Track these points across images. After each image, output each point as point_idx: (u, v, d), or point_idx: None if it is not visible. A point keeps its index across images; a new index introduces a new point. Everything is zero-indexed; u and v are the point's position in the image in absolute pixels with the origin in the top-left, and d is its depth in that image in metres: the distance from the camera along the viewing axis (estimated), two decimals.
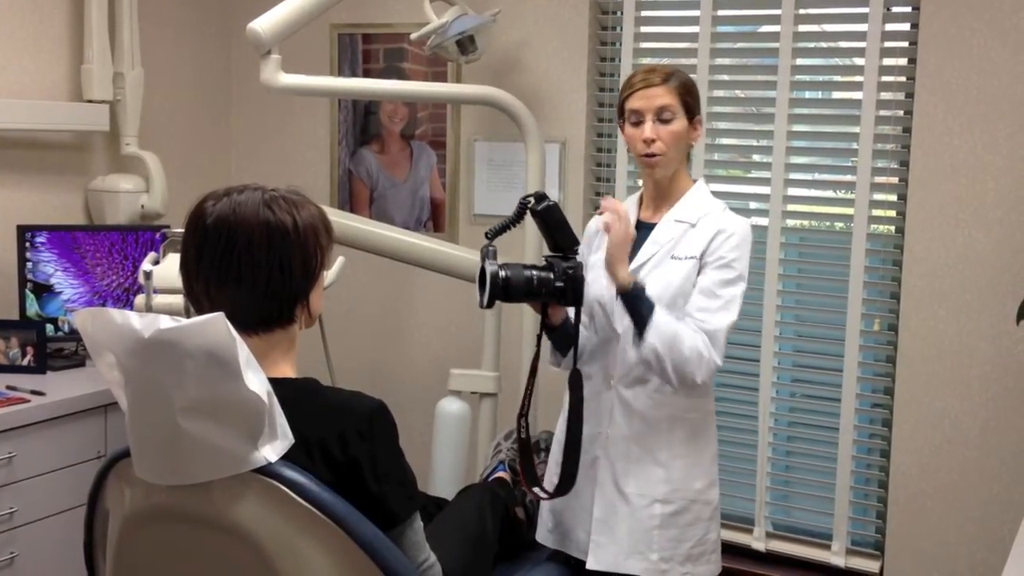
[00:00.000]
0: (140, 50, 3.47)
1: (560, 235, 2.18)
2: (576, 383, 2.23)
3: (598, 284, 2.30)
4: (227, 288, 1.62)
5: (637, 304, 2.18)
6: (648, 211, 2.39)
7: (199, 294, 1.65)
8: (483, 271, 2.14)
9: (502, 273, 2.13)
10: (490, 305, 2.16)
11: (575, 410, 2.23)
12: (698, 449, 2.33)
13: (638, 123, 2.28)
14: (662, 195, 2.36)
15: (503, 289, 2.13)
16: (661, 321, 2.17)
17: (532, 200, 2.18)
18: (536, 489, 2.28)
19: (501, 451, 2.69)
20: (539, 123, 3.22)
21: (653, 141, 2.26)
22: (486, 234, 2.20)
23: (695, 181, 2.38)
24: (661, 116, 2.26)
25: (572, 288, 2.16)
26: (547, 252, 2.23)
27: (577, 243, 2.20)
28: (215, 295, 1.63)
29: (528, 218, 2.22)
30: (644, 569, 2.29)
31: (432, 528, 1.97)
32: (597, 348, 2.36)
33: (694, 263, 2.26)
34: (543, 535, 2.45)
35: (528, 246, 3.18)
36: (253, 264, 1.61)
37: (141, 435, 1.55)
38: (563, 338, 2.30)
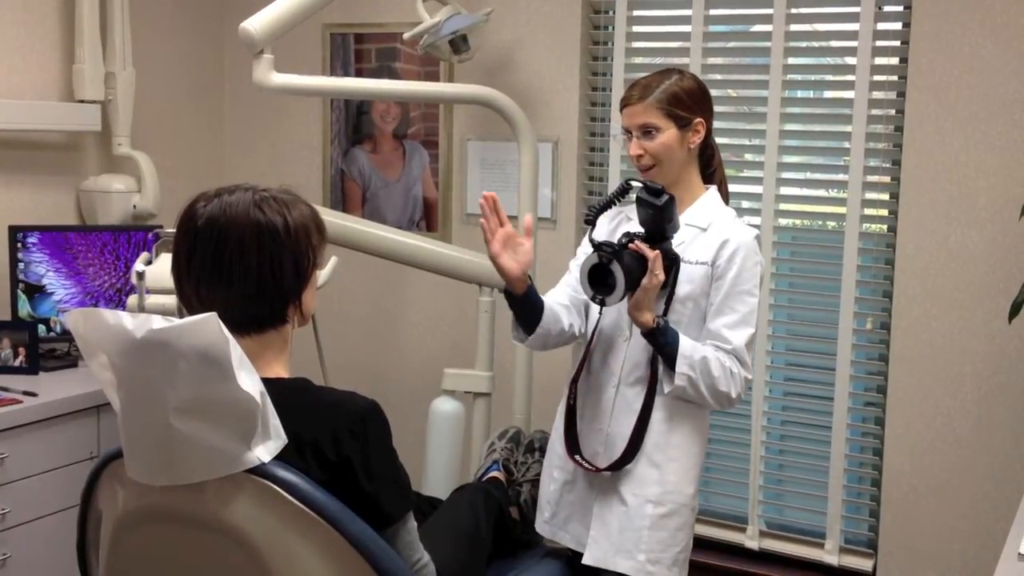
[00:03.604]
0: (132, 50, 3.46)
1: (670, 225, 2.23)
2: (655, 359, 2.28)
3: None
4: (218, 289, 1.62)
5: (663, 340, 2.22)
6: None
7: (190, 295, 1.65)
8: (609, 271, 2.15)
9: (628, 263, 2.16)
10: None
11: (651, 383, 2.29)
12: (693, 454, 2.34)
13: (629, 138, 2.32)
14: None
15: (628, 288, 2.17)
16: (688, 349, 2.22)
17: (643, 190, 2.20)
18: (578, 458, 2.34)
19: (495, 450, 2.69)
20: (532, 122, 3.22)
21: (640, 156, 2.30)
22: (587, 220, 2.23)
23: (708, 188, 2.38)
24: (645, 131, 2.28)
25: (673, 270, 2.24)
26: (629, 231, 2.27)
27: (678, 229, 2.27)
28: (206, 296, 1.63)
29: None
30: (631, 568, 2.29)
31: (426, 527, 1.97)
32: (606, 345, 2.37)
33: (706, 269, 2.28)
34: (540, 525, 2.47)
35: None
36: (243, 265, 1.61)
37: (134, 436, 1.55)
38: (531, 309, 2.31)
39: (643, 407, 2.29)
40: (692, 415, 2.33)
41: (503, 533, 2.36)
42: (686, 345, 2.22)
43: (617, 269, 2.14)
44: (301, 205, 1.68)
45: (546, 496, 2.46)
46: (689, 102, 2.29)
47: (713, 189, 2.39)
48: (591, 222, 2.24)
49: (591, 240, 2.21)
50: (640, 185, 2.21)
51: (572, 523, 2.41)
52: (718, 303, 2.27)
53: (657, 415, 2.31)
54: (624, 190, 2.25)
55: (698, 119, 2.30)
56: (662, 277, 2.18)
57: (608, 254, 2.15)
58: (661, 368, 2.26)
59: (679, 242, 2.31)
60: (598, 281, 2.17)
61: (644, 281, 2.16)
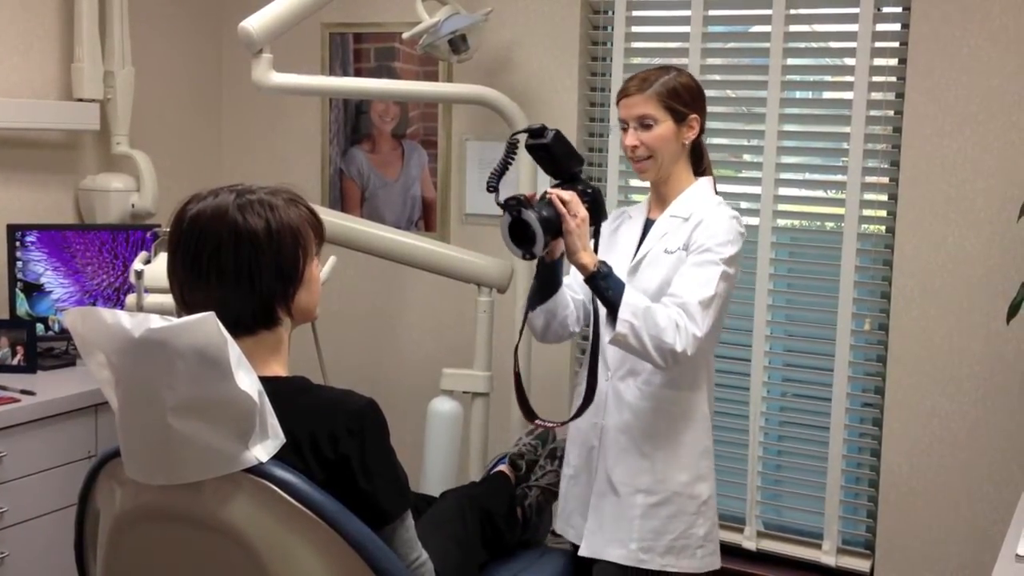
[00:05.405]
0: (131, 49, 3.46)
1: (572, 160, 2.25)
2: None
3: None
4: (198, 291, 1.62)
5: (604, 285, 2.19)
6: (654, 210, 2.43)
7: (176, 296, 1.65)
8: (523, 222, 2.15)
9: (544, 213, 2.15)
10: (543, 254, 2.19)
11: (594, 327, 2.28)
12: (683, 442, 2.35)
13: (625, 130, 2.34)
14: (661, 195, 2.41)
15: (546, 232, 2.15)
16: (632, 297, 2.18)
17: (528, 136, 2.22)
18: (539, 420, 2.36)
19: (519, 444, 2.70)
20: (531, 122, 3.21)
21: (636, 147, 2.31)
22: (489, 187, 2.20)
23: (698, 179, 2.40)
24: (643, 123, 2.30)
25: (595, 206, 2.23)
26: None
27: (583, 160, 2.29)
28: (188, 298, 1.63)
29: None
30: (623, 557, 2.33)
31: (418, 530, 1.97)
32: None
33: (680, 254, 2.29)
34: (556, 522, 2.53)
35: None
36: (220, 269, 1.60)
37: (131, 435, 1.55)
38: (554, 276, 2.33)
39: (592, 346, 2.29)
40: (682, 403, 2.34)
41: (497, 535, 2.36)
42: (631, 293, 2.19)
43: (529, 216, 2.14)
44: (292, 207, 1.66)
45: (561, 492, 2.52)
46: (686, 97, 2.31)
47: (704, 180, 2.40)
48: (494, 189, 2.21)
49: (497, 203, 2.20)
50: (523, 135, 2.23)
51: (575, 517, 2.46)
52: (681, 270, 2.26)
53: (646, 404, 2.33)
54: (512, 145, 2.25)
55: (693, 115, 2.32)
56: (584, 214, 2.18)
57: (515, 206, 2.15)
58: (604, 316, 2.22)
59: (663, 233, 2.33)
60: (520, 239, 2.17)
61: (567, 225, 2.16)
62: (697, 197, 2.36)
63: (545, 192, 2.22)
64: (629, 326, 2.15)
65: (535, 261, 2.28)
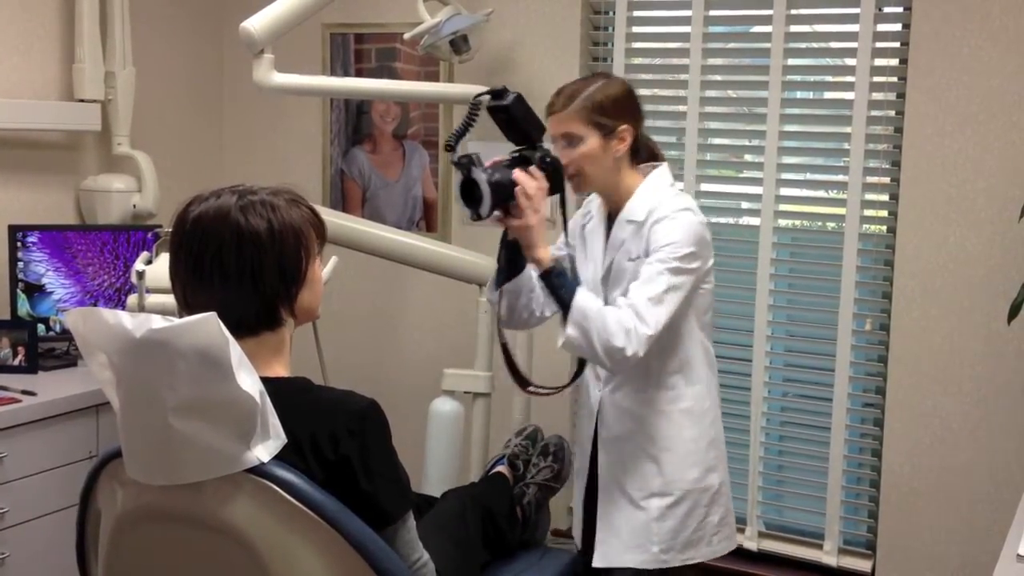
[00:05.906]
0: (132, 49, 3.46)
1: (530, 124, 2.20)
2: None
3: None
4: (201, 293, 1.62)
5: (558, 283, 2.16)
6: (612, 215, 2.37)
7: (179, 298, 1.65)
8: (471, 181, 2.11)
9: (496, 176, 2.12)
10: (489, 215, 2.15)
11: None
12: (689, 439, 2.34)
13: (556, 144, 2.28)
14: (610, 201, 2.35)
15: (494, 193, 2.11)
16: (583, 300, 2.15)
17: (490, 98, 2.18)
18: (532, 388, 2.35)
19: (510, 446, 2.69)
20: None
21: (566, 165, 2.24)
22: (447, 147, 2.20)
23: (648, 173, 2.32)
24: (569, 141, 2.24)
25: (555, 175, 2.19)
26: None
27: (544, 128, 2.23)
28: (191, 299, 1.63)
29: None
30: (644, 561, 2.32)
31: (419, 530, 1.97)
32: None
33: (642, 260, 2.24)
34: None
35: None
36: (223, 271, 1.60)
37: (133, 435, 1.55)
38: (518, 254, 2.27)
39: None
40: (681, 400, 2.33)
41: (498, 535, 2.36)
42: (583, 295, 2.15)
43: (478, 176, 2.10)
44: (293, 208, 1.66)
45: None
46: (612, 110, 2.23)
47: (654, 173, 2.32)
48: (451, 148, 2.20)
49: (451, 161, 2.17)
50: (487, 96, 2.20)
51: (578, 519, 2.46)
52: (635, 272, 2.23)
53: (646, 409, 2.33)
54: (475, 107, 2.22)
55: (623, 126, 2.24)
56: (545, 211, 2.14)
57: (465, 164, 2.12)
58: (559, 318, 2.20)
59: (621, 241, 2.29)
60: (469, 199, 2.13)
61: (527, 219, 2.12)
62: (649, 195, 2.28)
63: (514, 160, 2.18)
64: (579, 328, 2.13)
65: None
